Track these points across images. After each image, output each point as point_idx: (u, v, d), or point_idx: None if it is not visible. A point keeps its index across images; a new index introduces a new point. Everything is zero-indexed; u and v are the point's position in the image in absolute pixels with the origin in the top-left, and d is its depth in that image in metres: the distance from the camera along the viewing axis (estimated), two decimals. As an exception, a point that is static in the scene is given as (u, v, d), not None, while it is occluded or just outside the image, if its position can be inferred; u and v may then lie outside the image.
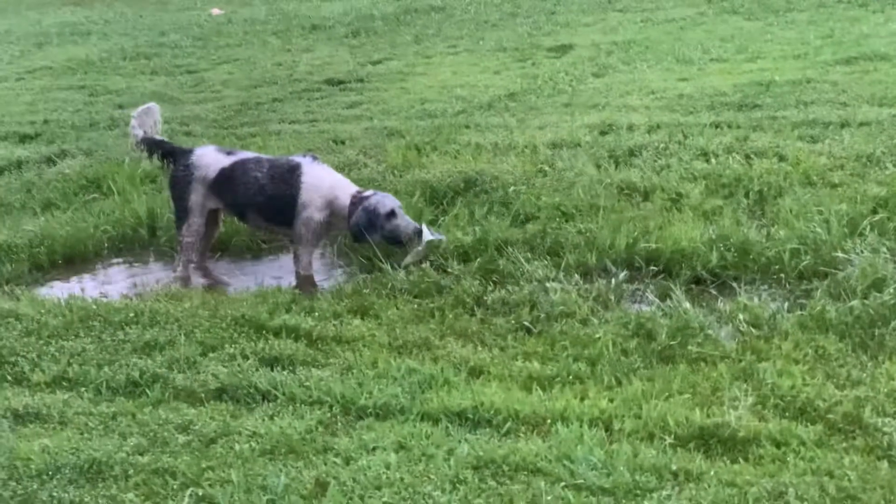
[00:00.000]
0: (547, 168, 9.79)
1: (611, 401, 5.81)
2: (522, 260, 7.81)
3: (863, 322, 6.44)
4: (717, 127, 10.96)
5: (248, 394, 6.19)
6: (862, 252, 7.28)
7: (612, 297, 7.28)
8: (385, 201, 8.06)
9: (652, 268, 7.70)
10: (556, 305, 7.09)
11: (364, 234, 8.03)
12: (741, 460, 5.21)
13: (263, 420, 5.87)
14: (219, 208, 8.70)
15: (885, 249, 7.32)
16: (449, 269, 7.82)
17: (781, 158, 9.55)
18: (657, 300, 7.13)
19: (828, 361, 6.05)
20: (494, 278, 7.70)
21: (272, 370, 6.43)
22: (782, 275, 7.43)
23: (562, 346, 6.53)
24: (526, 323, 6.92)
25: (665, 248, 7.81)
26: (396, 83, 15.34)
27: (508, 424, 5.65)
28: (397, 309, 7.32)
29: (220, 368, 6.47)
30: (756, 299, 6.99)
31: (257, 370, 6.43)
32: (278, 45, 20.35)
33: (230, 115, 13.95)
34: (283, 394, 6.12)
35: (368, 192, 8.19)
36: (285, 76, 16.76)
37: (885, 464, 5.05)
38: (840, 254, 7.35)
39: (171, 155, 8.78)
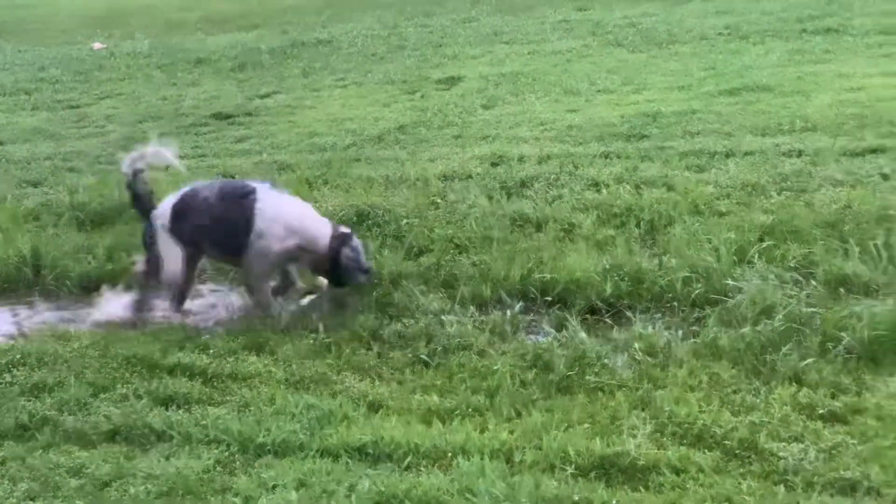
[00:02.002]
0: (439, 200, 9.80)
1: (511, 432, 5.81)
2: (417, 293, 7.80)
3: (754, 348, 6.55)
4: (606, 157, 11.08)
5: (142, 435, 6.07)
6: (751, 279, 7.41)
7: (509, 329, 7.31)
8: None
9: (547, 298, 7.74)
10: (453, 338, 7.10)
11: (350, 277, 7.85)
12: (641, 488, 5.24)
13: (159, 461, 5.76)
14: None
15: (773, 276, 7.45)
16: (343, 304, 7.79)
17: (670, 188, 9.68)
18: (553, 331, 7.18)
19: (722, 388, 6.13)
20: (390, 312, 7.67)
21: (167, 409, 6.32)
22: (675, 303, 7.52)
23: (460, 379, 6.53)
24: (423, 356, 6.91)
25: (559, 278, 7.86)
26: (285, 117, 15.24)
27: (409, 458, 5.62)
28: (293, 344, 7.24)
29: (112, 409, 6.34)
30: (651, 328, 7.07)
31: (151, 410, 6.32)
32: (163, 78, 20.08)
33: (115, 151, 13.71)
34: (179, 434, 6.02)
35: (346, 229, 7.96)
36: (171, 110, 16.54)
37: (781, 488, 5.12)
38: (730, 281, 7.47)
39: (142, 213, 8.34)
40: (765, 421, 5.68)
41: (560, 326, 7.22)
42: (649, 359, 6.60)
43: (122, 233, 9.86)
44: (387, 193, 10.10)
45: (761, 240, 8.17)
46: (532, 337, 7.25)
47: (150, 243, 8.18)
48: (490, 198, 9.85)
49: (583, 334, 6.96)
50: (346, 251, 7.74)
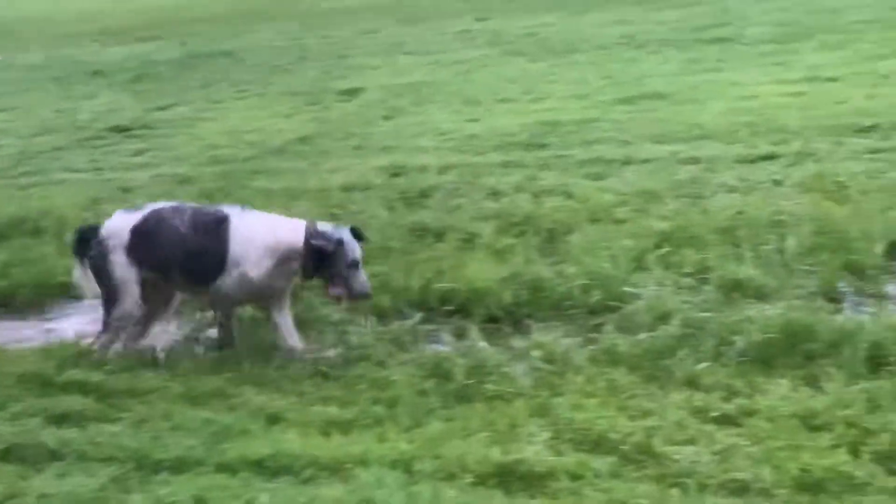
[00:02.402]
0: (339, 211, 9.76)
1: (410, 442, 5.80)
2: (318, 304, 7.76)
3: (651, 354, 6.62)
4: (506, 166, 11.16)
5: (36, 453, 5.95)
6: (648, 286, 7.50)
7: (409, 339, 7.29)
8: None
9: (447, 308, 7.76)
10: (353, 349, 7.07)
11: (329, 259, 7.11)
12: (539, 495, 5.27)
13: (53, 480, 5.65)
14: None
15: (669, 283, 7.56)
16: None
17: (569, 196, 9.77)
18: (453, 340, 7.19)
19: (619, 394, 6.18)
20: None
21: (60, 427, 6.21)
22: (574, 310, 7.57)
23: (360, 390, 6.51)
24: (323, 368, 6.86)
25: (460, 287, 7.87)
26: (185, 129, 15.10)
27: (308, 471, 5.58)
28: (192, 359, 7.17)
29: (4, 428, 6.21)
30: (550, 336, 7.10)
31: (45, 428, 6.19)
32: (58, 91, 19.80)
33: (9, 166, 13.48)
34: (73, 452, 5.91)
35: (312, 222, 7.31)
36: (67, 124, 16.31)
37: (676, 491, 5.17)
38: (628, 288, 7.55)
39: (82, 240, 7.55)
40: (660, 425, 5.73)
41: (460, 336, 7.23)
42: (548, 366, 6.62)
43: (16, 248, 9.69)
44: (287, 205, 10.03)
45: (658, 246, 8.27)
46: (432, 347, 7.25)
47: (95, 263, 7.44)
48: (390, 208, 9.86)
49: (482, 343, 6.98)
50: (313, 240, 7.11)
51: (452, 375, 6.54)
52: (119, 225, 7.44)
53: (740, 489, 5.13)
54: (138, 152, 13.86)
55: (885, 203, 8.69)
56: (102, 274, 7.38)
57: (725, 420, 5.77)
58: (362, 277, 7.08)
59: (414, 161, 11.67)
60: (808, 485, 5.06)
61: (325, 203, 10.04)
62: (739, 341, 6.60)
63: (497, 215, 9.40)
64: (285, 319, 7.30)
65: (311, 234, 7.10)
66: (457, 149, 12.24)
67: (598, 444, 5.64)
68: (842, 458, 5.21)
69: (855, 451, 5.27)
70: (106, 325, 7.44)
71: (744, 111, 12.41)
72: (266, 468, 5.65)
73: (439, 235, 9.08)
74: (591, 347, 6.88)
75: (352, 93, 16.72)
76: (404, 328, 7.39)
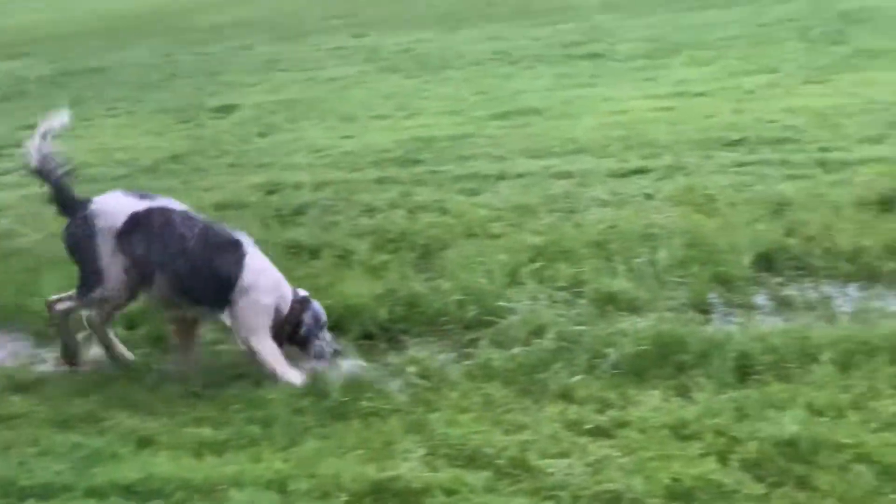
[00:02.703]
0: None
1: (286, 462, 5.74)
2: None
3: (525, 368, 6.65)
4: (381, 183, 11.16)
5: None
6: (523, 300, 7.55)
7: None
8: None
9: (323, 325, 7.71)
10: (227, 368, 6.99)
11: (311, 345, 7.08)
12: (414, 512, 5.26)
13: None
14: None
15: (543, 297, 7.62)
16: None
17: (444, 212, 9.81)
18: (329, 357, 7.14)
19: (494, 408, 6.20)
20: (161, 346, 7.52)
21: (-82, 457, 6.02)
22: (450, 326, 7.58)
23: (234, 410, 6.43)
24: (196, 388, 6.77)
25: (335, 304, 7.81)
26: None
27: (180, 494, 5.49)
28: (60, 382, 7.02)
29: None
30: (425, 351, 7.11)
31: None
32: (-82, 110, 19.26)
33: None
34: (-66, 481, 5.74)
35: (305, 293, 7.18)
36: (-70, 143, 15.85)
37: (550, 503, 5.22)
38: (503, 303, 7.59)
39: (65, 206, 7.15)
40: (534, 439, 5.77)
41: (336, 353, 7.19)
42: (423, 382, 6.62)
43: None
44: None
45: (533, 261, 8.33)
46: (308, 364, 7.19)
47: (75, 240, 7.09)
48: (265, 226, 9.78)
49: (357, 360, 6.96)
50: (306, 316, 7.02)
51: (328, 393, 6.50)
52: (115, 206, 7.03)
53: (613, 500, 5.16)
54: (5, 171, 13.55)
55: (752, 215, 8.90)
56: (82, 253, 7.03)
57: (598, 432, 5.82)
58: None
59: (289, 178, 11.61)
60: (679, 493, 5.12)
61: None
62: (612, 354, 6.66)
63: (372, 232, 9.39)
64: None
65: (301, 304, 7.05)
66: (332, 165, 12.20)
67: (473, 459, 5.64)
68: (711, 466, 5.29)
69: (723, 460, 5.35)
70: (80, 297, 7.13)
71: (615, 126, 12.61)
72: (136, 492, 5.54)
73: (314, 253, 9.03)
74: (467, 362, 6.90)
75: (226, 110, 16.57)
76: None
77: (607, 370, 6.54)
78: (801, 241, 8.32)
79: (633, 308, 7.44)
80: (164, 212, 7.03)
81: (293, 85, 18.37)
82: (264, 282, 6.93)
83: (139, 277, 7.02)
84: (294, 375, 6.78)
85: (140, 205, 7.03)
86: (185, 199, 10.71)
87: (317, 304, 7.12)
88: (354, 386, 6.55)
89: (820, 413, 5.69)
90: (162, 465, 5.74)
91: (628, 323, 7.05)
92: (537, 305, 7.43)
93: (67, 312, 7.26)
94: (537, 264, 8.23)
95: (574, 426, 5.90)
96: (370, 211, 10.05)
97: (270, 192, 11.14)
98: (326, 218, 9.96)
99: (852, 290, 7.72)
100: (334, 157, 12.53)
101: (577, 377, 6.45)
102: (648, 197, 9.80)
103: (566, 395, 6.29)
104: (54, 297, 7.35)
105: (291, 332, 7.01)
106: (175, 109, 17.04)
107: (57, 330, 7.42)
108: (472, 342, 7.27)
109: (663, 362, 6.54)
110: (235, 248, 6.97)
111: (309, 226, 9.76)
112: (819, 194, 9.29)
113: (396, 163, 12.02)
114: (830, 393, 5.88)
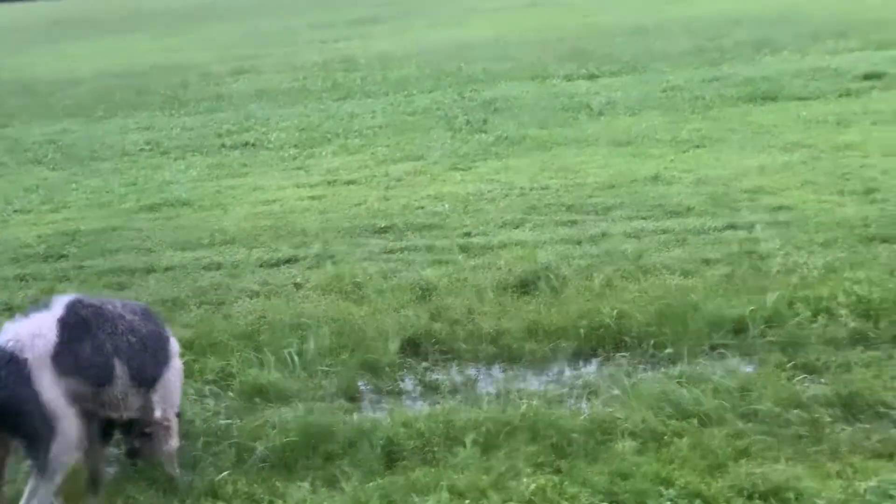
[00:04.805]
0: None
1: None
2: None
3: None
4: (22, 280, 10.70)
5: None
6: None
7: None
8: None
9: None
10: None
11: None
12: None
13: None
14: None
15: (192, 391, 7.47)
16: None
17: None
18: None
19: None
20: None
21: None
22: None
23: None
24: None
25: None
26: None
27: None
28: None
29: None
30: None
31: None
32: None
33: None
34: None
35: None
36: None
37: None
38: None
39: None
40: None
41: None
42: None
43: None
44: None
45: (181, 355, 8.15)
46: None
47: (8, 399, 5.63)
48: None
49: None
50: None
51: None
52: (32, 330, 5.74)
53: None
54: None
55: (399, 301, 9.08)
56: (24, 409, 5.62)
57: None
58: None
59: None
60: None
61: None
62: (261, 447, 6.63)
63: None
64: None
65: None
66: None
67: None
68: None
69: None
70: (40, 474, 5.69)
71: (266, 215, 12.63)
72: None
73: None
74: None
75: None
76: None
77: (255, 464, 6.48)
78: (446, 325, 8.56)
79: (282, 399, 7.43)
80: (79, 303, 6.03)
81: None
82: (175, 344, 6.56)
83: (95, 392, 5.98)
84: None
85: (55, 314, 5.89)
86: None
87: None
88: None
89: (461, 495, 5.85)
90: None
91: (277, 414, 7.02)
92: (184, 401, 7.26)
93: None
94: (185, 358, 8.06)
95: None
96: (9, 310, 9.57)
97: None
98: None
99: (495, 371, 8.00)
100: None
101: (224, 473, 6.35)
102: (298, 286, 9.85)
103: (214, 493, 6.19)
104: None
105: None
106: None
107: None
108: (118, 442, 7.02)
109: (312, 453, 6.56)
110: (151, 313, 6.56)
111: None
112: (462, 279, 9.59)
113: (39, 259, 11.56)
114: (472, 475, 6.06)
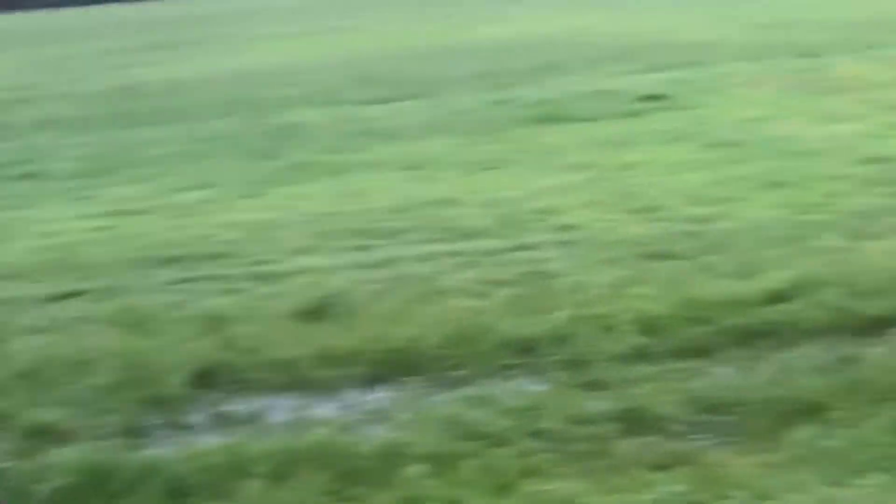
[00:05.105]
0: None
1: None
2: None
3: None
4: None
5: None
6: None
7: None
8: None
9: None
10: None
11: None
12: None
13: None
14: None
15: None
16: None
17: None
18: None
19: None
20: None
21: None
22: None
23: None
24: None
25: None
26: None
27: None
28: None
29: None
30: None
31: None
32: None
33: None
34: None
35: None
36: None
37: None
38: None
39: None
40: None
41: None
42: None
43: None
44: None
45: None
46: None
47: None
48: None
49: None
50: None
51: None
52: None
53: None
54: None
55: (189, 332, 8.86)
56: None
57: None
58: None
59: None
60: None
61: None
62: (42, 489, 6.36)
63: None
64: None
65: None
66: None
67: None
68: None
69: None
70: None
71: (50, 248, 12.19)
72: None
73: None
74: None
75: None
76: None
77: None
78: (238, 354, 8.40)
79: (65, 439, 7.13)
80: None
81: None
82: None
83: None
84: None
85: None
86: None
87: None
88: None
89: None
90: None
91: (57, 456, 6.74)
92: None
93: None
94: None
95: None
96: None
97: None
98: None
99: (287, 400, 7.87)
100: None
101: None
102: (84, 321, 9.51)
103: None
104: None
105: None
106: None
107: None
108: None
109: (95, 494, 6.31)
110: None
111: None
112: (254, 307, 9.46)
113: None
114: (261, 508, 5.93)
